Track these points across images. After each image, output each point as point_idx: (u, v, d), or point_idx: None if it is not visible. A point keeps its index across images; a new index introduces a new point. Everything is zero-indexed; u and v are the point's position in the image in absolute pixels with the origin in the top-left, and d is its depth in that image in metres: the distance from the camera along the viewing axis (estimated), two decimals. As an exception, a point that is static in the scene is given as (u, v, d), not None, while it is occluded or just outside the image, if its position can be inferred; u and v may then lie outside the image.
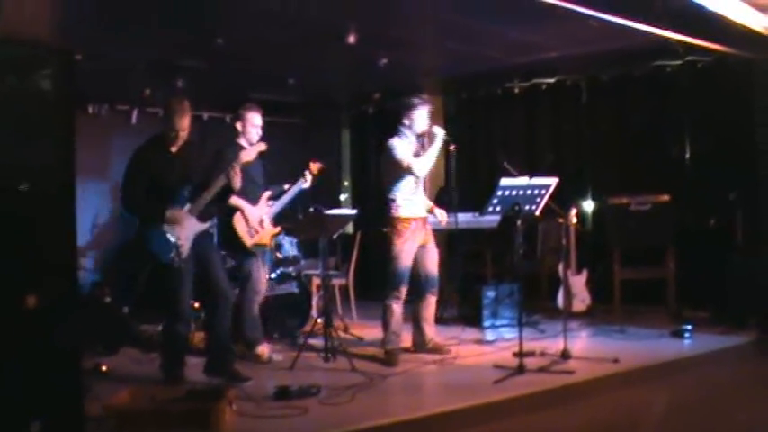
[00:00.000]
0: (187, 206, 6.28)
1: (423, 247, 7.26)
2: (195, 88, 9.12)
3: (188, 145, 6.44)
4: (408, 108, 7.27)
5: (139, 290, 8.61)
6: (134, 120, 10.79)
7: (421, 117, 7.24)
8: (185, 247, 6.23)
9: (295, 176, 7.60)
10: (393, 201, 7.18)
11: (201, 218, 6.38)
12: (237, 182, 6.37)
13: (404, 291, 7.19)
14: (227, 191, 6.43)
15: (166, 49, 8.29)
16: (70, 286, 4.48)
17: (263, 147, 6.81)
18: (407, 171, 7.09)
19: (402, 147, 7.15)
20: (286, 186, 7.57)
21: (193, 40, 7.88)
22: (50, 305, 4.20)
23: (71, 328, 4.39)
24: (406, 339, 7.51)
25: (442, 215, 7.51)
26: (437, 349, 7.37)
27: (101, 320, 7.68)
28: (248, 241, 7.19)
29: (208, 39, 7.70)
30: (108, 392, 5.47)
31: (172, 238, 6.17)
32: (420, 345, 7.43)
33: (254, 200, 7.23)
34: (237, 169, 6.37)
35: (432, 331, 7.47)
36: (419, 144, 7.29)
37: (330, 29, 7.72)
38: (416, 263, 7.25)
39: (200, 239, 6.39)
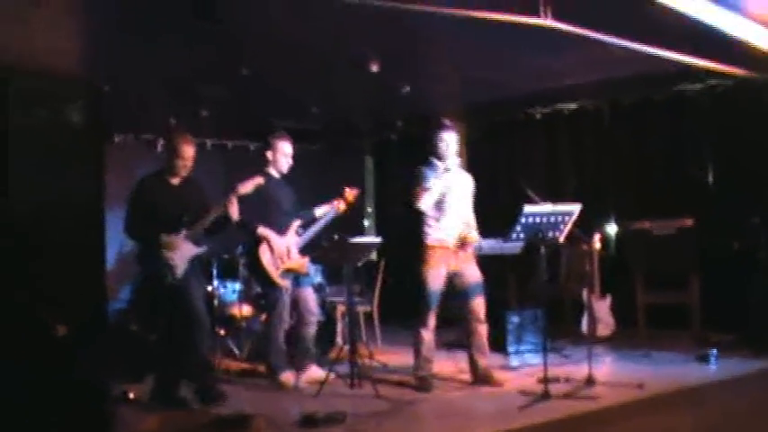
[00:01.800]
0: (183, 232, 6.45)
1: (455, 274, 7.15)
2: (219, 117, 9.21)
3: (190, 180, 6.67)
4: (433, 134, 7.21)
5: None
6: (159, 149, 10.88)
7: (443, 143, 7.12)
8: (180, 268, 6.40)
9: (318, 204, 7.65)
10: (421, 228, 7.18)
11: (197, 243, 6.57)
12: (234, 212, 6.51)
13: (431, 317, 7.11)
14: (225, 220, 6.58)
15: (191, 79, 8.37)
16: (98, 315, 4.53)
17: (260, 181, 6.87)
18: (413, 202, 7.10)
19: (421, 176, 7.09)
20: (317, 212, 7.58)
21: (218, 69, 7.96)
22: (79, 334, 4.25)
23: (99, 356, 4.44)
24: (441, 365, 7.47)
25: (473, 239, 7.26)
26: (486, 379, 7.19)
27: (127, 348, 7.73)
28: (273, 272, 7.23)
29: (232, 68, 7.78)
30: (135, 420, 5.52)
31: (166, 259, 6.34)
32: (474, 374, 7.28)
33: (281, 229, 7.27)
34: (234, 200, 6.52)
35: (483, 360, 7.28)
36: (447, 172, 7.10)
37: (353, 58, 7.78)
38: (453, 289, 7.19)
39: (194, 263, 6.59)
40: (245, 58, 7.63)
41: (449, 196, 7.14)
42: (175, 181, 6.60)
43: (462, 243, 7.18)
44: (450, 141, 7.16)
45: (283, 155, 7.34)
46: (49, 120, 4.25)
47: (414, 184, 7.10)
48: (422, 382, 7.11)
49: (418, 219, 7.17)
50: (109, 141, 10.13)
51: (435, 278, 7.09)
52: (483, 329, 7.28)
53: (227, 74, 7.97)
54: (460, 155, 7.38)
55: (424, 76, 8.88)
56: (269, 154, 7.35)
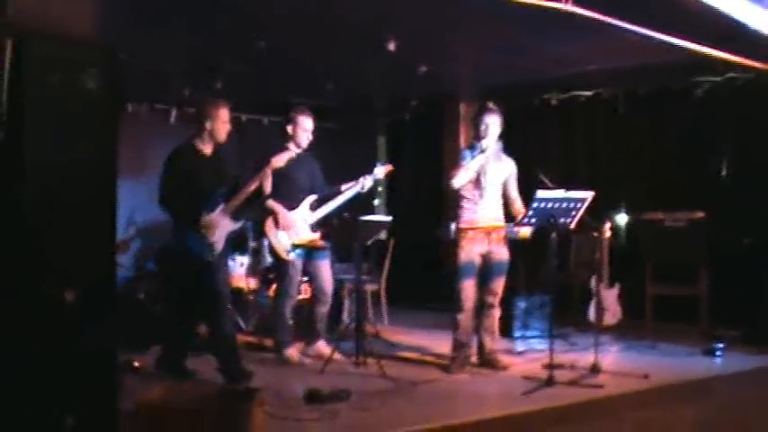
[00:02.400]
0: (221, 206, 6.38)
1: (484, 256, 7.15)
2: (234, 90, 9.17)
3: (222, 147, 6.55)
4: (477, 115, 7.23)
5: (174, 289, 8.68)
6: (173, 119, 10.87)
7: (482, 123, 7.12)
8: (219, 245, 6.38)
9: (328, 181, 7.64)
10: (455, 208, 7.20)
11: (234, 218, 6.50)
12: (267, 186, 6.48)
13: (465, 299, 7.09)
14: (259, 194, 6.53)
15: (208, 50, 8.34)
16: (108, 283, 4.53)
17: (293, 155, 6.89)
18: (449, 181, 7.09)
19: (464, 158, 7.11)
20: (343, 187, 7.56)
21: (235, 41, 7.92)
22: (88, 301, 4.24)
23: (108, 324, 4.44)
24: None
25: (519, 229, 7.19)
26: (492, 363, 7.22)
27: (133, 317, 7.75)
28: (277, 246, 7.23)
29: (250, 41, 7.74)
30: (140, 389, 5.52)
31: (207, 238, 6.28)
32: (480, 356, 7.31)
33: (292, 203, 7.27)
34: (268, 173, 6.47)
35: (491, 343, 7.30)
36: (487, 154, 7.10)
37: (372, 35, 7.74)
38: (481, 270, 7.18)
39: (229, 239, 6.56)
40: (263, 30, 7.58)
41: (484, 179, 7.11)
42: (208, 150, 6.49)
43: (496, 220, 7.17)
44: (489, 124, 7.13)
45: (303, 130, 7.35)
46: (64, 85, 4.22)
47: (462, 164, 7.09)
48: (453, 362, 7.14)
49: (455, 201, 7.18)
50: (122, 109, 10.09)
51: (467, 256, 7.08)
52: (496, 313, 7.32)
53: (245, 46, 7.92)
54: (471, 138, 7.34)
55: (442, 57, 8.83)
56: (289, 128, 7.36)
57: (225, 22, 7.34)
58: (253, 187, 6.50)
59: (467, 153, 7.16)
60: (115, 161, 4.47)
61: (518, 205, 7.28)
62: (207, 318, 6.64)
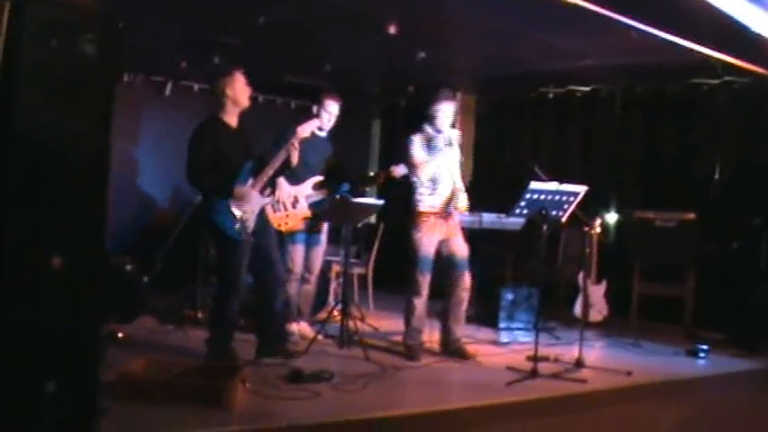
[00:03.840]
0: (250, 181, 6.33)
1: (445, 240, 7.15)
2: (232, 66, 9.11)
3: (243, 120, 6.50)
4: (432, 102, 7.18)
5: (161, 261, 8.65)
6: (168, 92, 10.82)
7: (442, 112, 7.12)
8: (251, 222, 6.29)
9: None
10: (413, 194, 7.16)
11: (263, 193, 6.44)
12: (295, 157, 6.43)
13: (423, 284, 7.08)
14: (287, 166, 6.48)
15: (208, 24, 8.29)
16: (97, 252, 4.49)
17: (318, 123, 6.93)
18: (413, 170, 7.08)
19: (416, 144, 7.11)
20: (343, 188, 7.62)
21: (236, 17, 7.87)
22: (75, 268, 4.21)
23: (94, 292, 4.41)
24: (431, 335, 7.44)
25: (461, 204, 7.23)
26: (459, 352, 7.19)
27: (120, 288, 7.71)
28: (272, 217, 7.21)
29: (250, 17, 7.69)
30: (122, 360, 5.50)
31: (237, 213, 6.21)
32: (444, 344, 7.29)
33: (295, 179, 7.26)
34: (296, 144, 6.41)
35: (459, 331, 7.30)
36: (440, 141, 7.13)
37: (373, 18, 7.71)
38: (440, 257, 7.18)
39: (261, 214, 6.46)
40: (263, 5, 7.53)
41: (442, 166, 7.13)
42: (234, 123, 6.41)
43: (450, 209, 7.17)
44: (448, 111, 7.14)
45: (327, 112, 7.42)
46: (61, 50, 4.17)
47: (410, 153, 7.10)
48: (410, 350, 7.11)
49: (413, 186, 7.18)
50: (119, 79, 10.04)
51: (427, 245, 7.08)
52: (464, 300, 7.28)
53: (244, 22, 7.87)
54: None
55: (441, 44, 8.79)
56: (315, 108, 7.46)
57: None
58: (281, 159, 6.43)
59: (415, 138, 7.14)
60: (109, 129, 4.41)
61: (459, 188, 7.28)
62: (217, 292, 6.59)
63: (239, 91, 6.38)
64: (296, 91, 11.22)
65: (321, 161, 7.54)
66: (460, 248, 7.21)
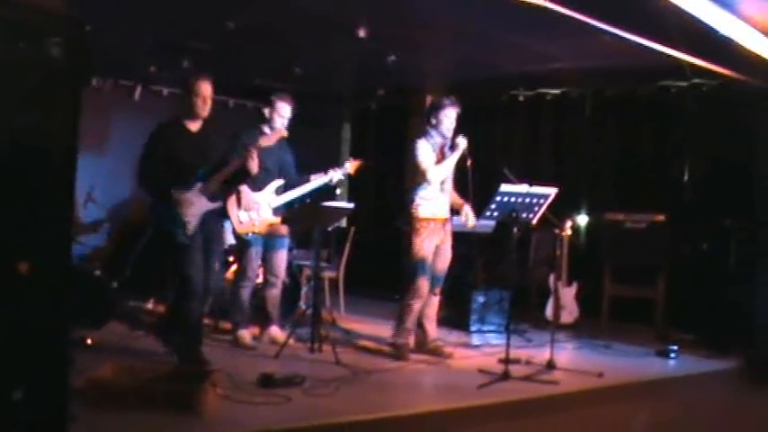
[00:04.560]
0: (198, 185, 6.29)
1: (437, 247, 7.24)
2: (201, 70, 9.06)
3: (208, 125, 6.47)
4: (436, 108, 7.28)
5: (130, 266, 8.60)
6: (137, 96, 10.77)
7: (448, 118, 7.21)
8: (192, 224, 6.25)
9: (295, 166, 7.61)
10: (413, 200, 7.19)
11: (212, 198, 6.39)
12: (254, 166, 6.41)
13: (424, 287, 7.15)
14: (243, 174, 6.45)
15: (176, 28, 8.24)
16: (64, 257, 4.45)
17: (284, 133, 6.91)
18: (422, 175, 7.09)
19: (424, 149, 7.17)
20: (312, 177, 7.55)
21: (204, 21, 7.84)
22: (43, 274, 4.17)
23: (61, 297, 4.37)
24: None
25: (468, 217, 7.33)
26: (437, 351, 7.31)
27: (89, 293, 7.64)
28: (237, 225, 7.20)
29: (219, 22, 7.66)
30: (91, 366, 5.44)
31: (180, 216, 6.18)
32: (421, 344, 7.39)
33: (258, 184, 7.23)
34: (254, 153, 6.40)
35: (434, 331, 7.44)
36: (445, 147, 7.24)
37: (342, 22, 7.69)
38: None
39: (209, 219, 6.42)
40: (233, 11, 7.49)
41: (449, 172, 7.26)
42: (194, 127, 6.42)
43: (452, 214, 7.31)
44: (452, 117, 7.25)
45: (280, 115, 7.39)
46: (28, 53, 4.13)
47: (417, 157, 7.16)
48: (398, 349, 7.18)
49: (413, 191, 7.21)
50: (86, 84, 9.96)
51: (427, 249, 7.15)
52: (437, 301, 7.45)
53: (213, 26, 7.83)
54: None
55: (412, 47, 8.79)
56: (267, 111, 7.41)
57: (194, 1, 7.25)
58: (233, 168, 6.41)
59: (422, 143, 7.21)
60: (76, 133, 4.37)
61: (457, 198, 7.41)
62: (174, 298, 6.55)
63: (200, 100, 6.37)
64: (267, 95, 11.18)
65: (279, 165, 7.49)
66: (446, 257, 7.33)
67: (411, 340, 7.34)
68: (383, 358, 7.15)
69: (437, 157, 7.20)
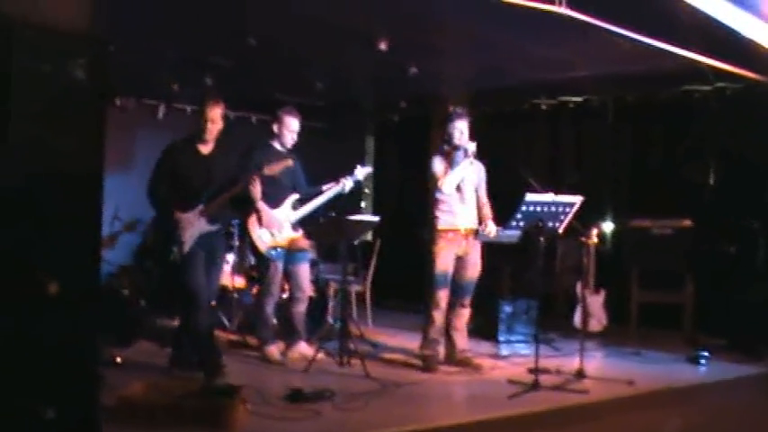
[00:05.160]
0: (199, 207, 6.35)
1: (461, 258, 7.22)
2: (223, 86, 9.12)
3: (220, 151, 6.55)
4: (446, 121, 7.33)
5: (156, 284, 8.64)
6: (160, 115, 10.84)
7: (456, 129, 7.23)
8: (187, 245, 6.32)
9: (316, 180, 7.61)
10: (433, 212, 7.21)
11: (212, 220, 6.45)
12: (257, 193, 6.46)
13: (442, 297, 7.15)
14: (245, 198, 6.50)
15: (198, 46, 8.29)
16: (92, 276, 4.48)
17: (290, 163, 6.89)
18: (436, 186, 7.11)
19: (437, 162, 7.21)
20: (324, 188, 7.53)
21: (226, 38, 7.88)
22: (71, 293, 4.19)
23: (91, 316, 4.39)
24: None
25: (490, 229, 7.27)
26: (466, 363, 7.29)
27: (118, 312, 7.69)
28: (260, 244, 7.21)
29: (240, 38, 7.70)
30: (121, 384, 5.47)
31: (177, 236, 6.29)
32: (449, 356, 7.38)
33: (274, 202, 7.23)
34: (257, 180, 6.45)
35: (463, 343, 7.41)
36: (458, 156, 7.21)
37: (363, 35, 7.71)
38: (455, 273, 7.24)
39: (210, 240, 6.48)
40: (254, 26, 7.53)
41: (463, 183, 7.23)
42: (206, 150, 6.50)
43: (475, 230, 7.27)
44: (463, 128, 7.26)
45: (289, 130, 7.35)
46: (52, 75, 4.17)
47: (431, 169, 7.21)
48: (427, 360, 7.17)
49: (434, 203, 7.23)
50: (110, 103, 10.03)
51: (444, 261, 7.15)
52: (467, 313, 7.41)
53: (235, 43, 7.87)
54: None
55: (432, 59, 8.80)
56: (275, 127, 7.39)
57: (217, 17, 7.29)
58: (234, 192, 6.46)
59: (436, 157, 7.26)
60: (101, 153, 4.41)
61: (487, 209, 7.41)
62: (180, 314, 6.63)
63: (209, 123, 6.43)
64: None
65: (294, 179, 7.47)
66: (473, 269, 7.32)
67: (440, 351, 7.32)
68: (412, 370, 7.13)
69: (446, 167, 7.19)
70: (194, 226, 6.35)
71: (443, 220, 7.18)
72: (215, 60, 8.74)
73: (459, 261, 7.23)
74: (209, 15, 7.23)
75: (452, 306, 7.30)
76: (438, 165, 7.20)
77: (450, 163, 7.20)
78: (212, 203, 6.41)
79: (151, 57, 8.57)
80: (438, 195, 7.18)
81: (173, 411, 5.08)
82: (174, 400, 5.32)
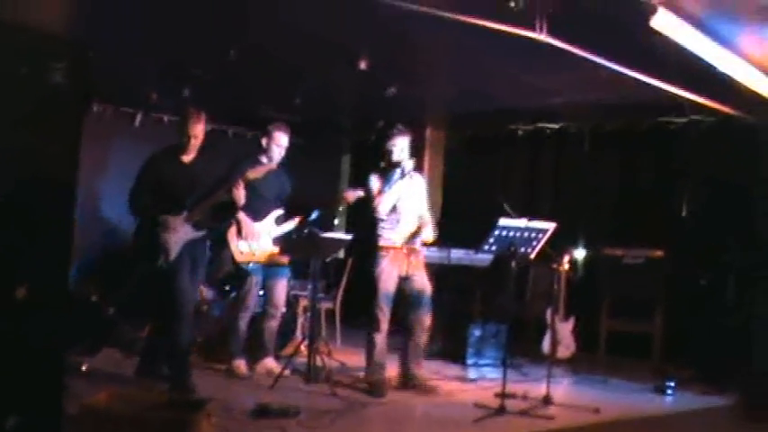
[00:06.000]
0: (184, 213, 6.31)
1: (408, 278, 7.15)
2: (202, 98, 9.09)
3: (202, 156, 6.55)
4: (387, 138, 7.28)
5: (127, 292, 8.57)
6: (138, 123, 10.79)
7: (396, 146, 7.20)
8: (172, 251, 6.31)
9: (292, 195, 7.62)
10: (374, 229, 7.18)
11: (197, 226, 6.41)
12: (241, 197, 6.43)
13: (383, 319, 7.07)
14: (230, 205, 6.47)
15: (178, 56, 8.27)
16: (61, 282, 4.44)
17: (273, 167, 6.89)
18: (372, 203, 7.10)
19: (372, 180, 7.18)
20: (314, 215, 7.52)
21: (207, 49, 7.86)
22: (39, 298, 4.15)
23: (57, 323, 4.35)
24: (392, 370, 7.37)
25: (427, 235, 7.26)
26: (422, 388, 7.18)
27: (85, 319, 7.62)
28: (238, 256, 7.20)
29: (221, 50, 7.68)
30: (86, 392, 5.41)
31: (162, 242, 6.27)
32: (403, 381, 7.28)
33: (257, 214, 7.22)
34: (241, 185, 6.42)
35: (418, 370, 7.29)
36: (397, 174, 7.10)
37: (344, 53, 7.72)
38: (403, 294, 7.17)
39: (194, 247, 6.46)
40: (236, 39, 7.52)
41: (402, 200, 7.17)
42: (187, 159, 6.51)
43: (414, 242, 7.20)
44: (403, 146, 7.22)
45: (277, 145, 7.38)
46: (30, 77, 4.14)
47: (367, 188, 7.19)
48: (373, 386, 7.05)
49: (375, 221, 7.20)
50: (88, 109, 9.97)
51: (387, 279, 7.08)
52: (424, 338, 7.28)
53: (215, 54, 7.86)
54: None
55: (412, 80, 8.82)
56: (264, 141, 7.41)
57: (199, 28, 7.27)
58: (218, 198, 6.45)
59: (373, 177, 7.20)
60: (77, 158, 4.38)
61: (426, 217, 7.33)
62: (160, 323, 6.57)
63: (189, 136, 6.44)
64: (266, 125, 11.23)
65: (279, 194, 7.49)
66: (423, 287, 7.21)
67: (385, 375, 7.17)
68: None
69: (380, 186, 7.13)
70: (179, 232, 6.35)
71: (385, 237, 7.14)
72: (195, 71, 8.70)
73: (408, 282, 7.14)
74: (191, 25, 7.21)
75: (411, 331, 7.19)
76: (373, 183, 7.15)
77: (386, 181, 7.11)
78: (196, 210, 6.41)
79: (130, 64, 8.51)
80: (378, 216, 7.15)
81: (137, 423, 5.02)
82: (139, 411, 5.27)
